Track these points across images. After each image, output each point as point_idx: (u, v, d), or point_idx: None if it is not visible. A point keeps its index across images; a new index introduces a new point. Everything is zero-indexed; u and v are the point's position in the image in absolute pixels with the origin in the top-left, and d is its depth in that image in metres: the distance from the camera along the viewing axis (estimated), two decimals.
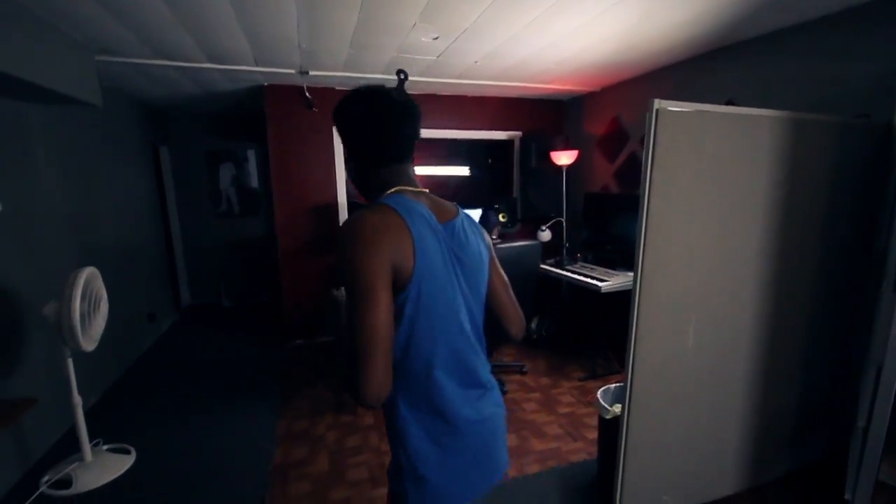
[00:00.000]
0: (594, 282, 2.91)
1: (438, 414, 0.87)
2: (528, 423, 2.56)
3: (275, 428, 2.57)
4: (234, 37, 2.37)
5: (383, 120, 0.88)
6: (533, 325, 3.75)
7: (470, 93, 3.93)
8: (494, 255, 1.03)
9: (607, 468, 1.98)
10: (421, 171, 4.52)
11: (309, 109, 3.60)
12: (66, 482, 2.10)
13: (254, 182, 5.28)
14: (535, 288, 3.11)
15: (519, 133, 4.25)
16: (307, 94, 3.51)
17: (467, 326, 0.90)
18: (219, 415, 2.73)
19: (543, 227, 3.97)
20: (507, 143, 4.34)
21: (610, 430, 1.87)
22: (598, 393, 2.03)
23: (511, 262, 2.80)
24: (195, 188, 5.12)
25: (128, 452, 2.35)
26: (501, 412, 1.00)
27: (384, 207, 0.83)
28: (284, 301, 3.83)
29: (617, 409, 1.84)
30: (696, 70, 2.85)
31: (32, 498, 2.01)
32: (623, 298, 3.15)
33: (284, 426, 2.59)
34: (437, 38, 2.42)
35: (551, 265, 3.44)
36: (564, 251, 3.71)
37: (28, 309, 2.26)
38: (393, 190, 0.90)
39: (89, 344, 2.14)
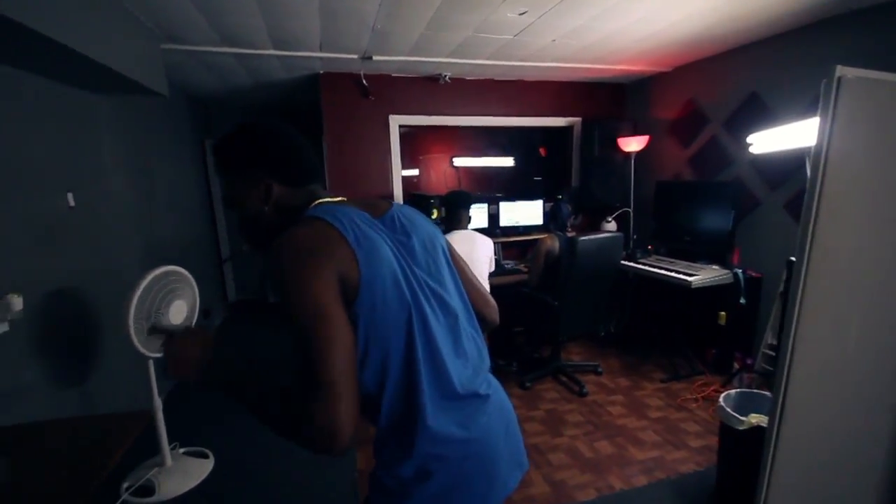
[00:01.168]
0: (681, 276, 2.71)
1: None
2: (620, 429, 2.38)
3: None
4: (308, 17, 2.22)
5: (293, 140, 0.83)
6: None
7: (529, 77, 3.72)
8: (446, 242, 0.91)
9: (731, 482, 1.80)
10: (461, 162, 4.35)
11: (365, 98, 3.46)
12: (147, 489, 2.02)
13: None
14: (612, 283, 2.92)
15: (579, 119, 4.03)
16: (364, 81, 3.37)
17: (438, 320, 0.77)
18: None
19: (609, 219, 3.77)
20: (564, 130, 4.13)
21: (742, 443, 1.68)
22: (721, 399, 1.84)
23: (591, 255, 2.62)
24: None
25: (206, 457, 2.26)
26: (508, 409, 0.90)
27: (311, 220, 0.74)
28: None
29: (755, 419, 1.65)
30: (795, 43, 2.60)
31: None
32: (705, 294, 2.98)
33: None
34: (524, 13, 2.23)
35: (622, 259, 3.24)
36: (632, 243, 3.50)
37: (99, 306, 2.18)
38: (314, 203, 0.80)
39: (152, 350, 2.03)
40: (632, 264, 3.13)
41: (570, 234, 2.77)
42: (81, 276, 2.09)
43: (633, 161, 3.57)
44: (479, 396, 0.80)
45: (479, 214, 3.69)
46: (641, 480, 1.99)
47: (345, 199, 0.84)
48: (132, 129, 2.81)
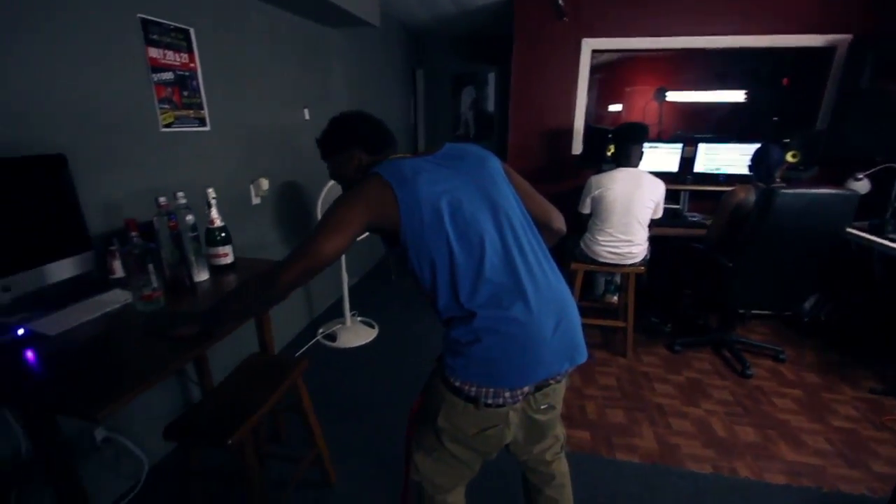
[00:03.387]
0: None
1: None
2: (777, 423, 2.01)
3: None
4: None
5: (374, 128, 1.12)
6: (807, 305, 2.86)
7: None
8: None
9: None
10: (675, 97, 3.73)
11: (559, 20, 3.29)
12: (332, 337, 2.74)
13: (490, 106, 5.38)
14: (827, 255, 2.28)
15: (847, 37, 2.97)
16: (560, 1, 3.18)
17: (485, 227, 0.93)
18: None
19: (859, 175, 2.85)
20: (821, 53, 3.12)
21: None
22: None
23: (793, 214, 2.09)
24: (441, 111, 5.54)
25: (373, 326, 2.90)
26: (561, 288, 0.99)
27: (369, 175, 0.98)
28: None
29: None
30: None
31: (311, 343, 2.68)
32: None
33: None
34: None
35: (862, 229, 2.45)
36: (890, 212, 2.59)
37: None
38: (383, 162, 1.02)
39: None
40: (874, 238, 2.35)
41: (778, 186, 2.25)
42: (311, 173, 2.79)
43: None
44: (527, 290, 0.91)
45: (668, 156, 3.26)
46: (778, 479, 1.69)
47: (408, 154, 1.07)
48: (355, 57, 3.39)
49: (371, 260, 4.08)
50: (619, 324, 2.61)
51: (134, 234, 1.15)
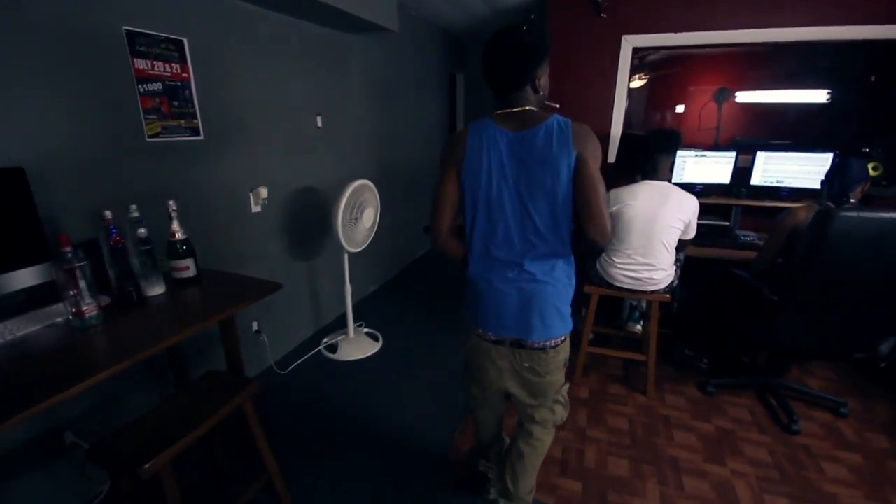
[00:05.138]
0: None
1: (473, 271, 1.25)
2: (822, 497, 1.64)
3: None
4: None
5: (483, 55, 1.19)
6: (883, 348, 2.36)
7: None
8: (591, 157, 1.11)
9: None
10: (745, 97, 3.26)
11: (597, 14, 3.02)
12: (333, 348, 2.69)
13: None
14: None
15: None
16: None
17: (522, 213, 1.16)
18: (450, 331, 2.92)
19: None
20: None
21: None
22: None
23: (871, 242, 1.71)
24: (480, 115, 5.38)
25: (377, 339, 2.81)
26: (537, 289, 1.18)
27: (463, 128, 1.23)
28: None
29: None
30: None
31: (313, 352, 2.65)
32: None
33: None
34: None
35: None
36: None
37: (327, 207, 2.85)
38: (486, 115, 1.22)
39: (352, 246, 2.52)
40: None
41: (851, 206, 1.86)
42: (318, 181, 2.77)
43: None
44: (509, 270, 1.20)
45: (718, 166, 2.87)
46: None
47: (499, 113, 1.18)
48: (380, 63, 3.34)
49: (395, 267, 4.02)
50: (641, 357, 2.30)
51: (67, 248, 1.14)
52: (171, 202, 1.45)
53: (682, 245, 2.14)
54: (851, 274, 1.78)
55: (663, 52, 3.21)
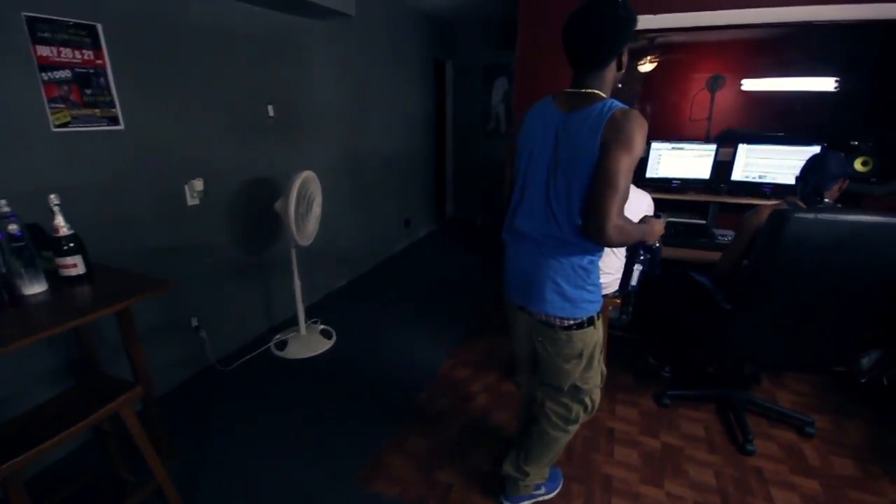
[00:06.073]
0: None
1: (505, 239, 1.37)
2: None
3: (441, 364, 2.45)
4: None
5: (569, 27, 1.14)
6: (864, 361, 2.15)
7: None
8: (615, 148, 1.03)
9: None
10: (750, 85, 3.00)
11: None
12: (282, 345, 2.62)
13: None
14: (880, 300, 1.65)
15: None
16: None
17: (546, 193, 1.18)
18: (411, 331, 2.83)
19: None
20: None
21: None
22: None
23: (822, 248, 1.54)
24: (471, 104, 5.21)
25: (330, 337, 2.73)
26: (542, 262, 1.21)
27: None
28: None
29: None
30: None
31: (261, 350, 2.59)
32: None
33: (449, 365, 2.43)
34: None
35: None
36: None
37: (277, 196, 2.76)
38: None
39: (303, 240, 2.44)
40: None
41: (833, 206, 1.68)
42: (270, 172, 2.68)
43: None
44: (526, 241, 1.26)
45: (697, 160, 2.67)
46: None
47: (567, 91, 1.17)
48: (350, 50, 3.21)
49: (368, 262, 3.92)
50: None
51: None
52: (52, 196, 1.38)
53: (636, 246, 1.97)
54: (809, 282, 1.59)
55: (658, 39, 3.01)
